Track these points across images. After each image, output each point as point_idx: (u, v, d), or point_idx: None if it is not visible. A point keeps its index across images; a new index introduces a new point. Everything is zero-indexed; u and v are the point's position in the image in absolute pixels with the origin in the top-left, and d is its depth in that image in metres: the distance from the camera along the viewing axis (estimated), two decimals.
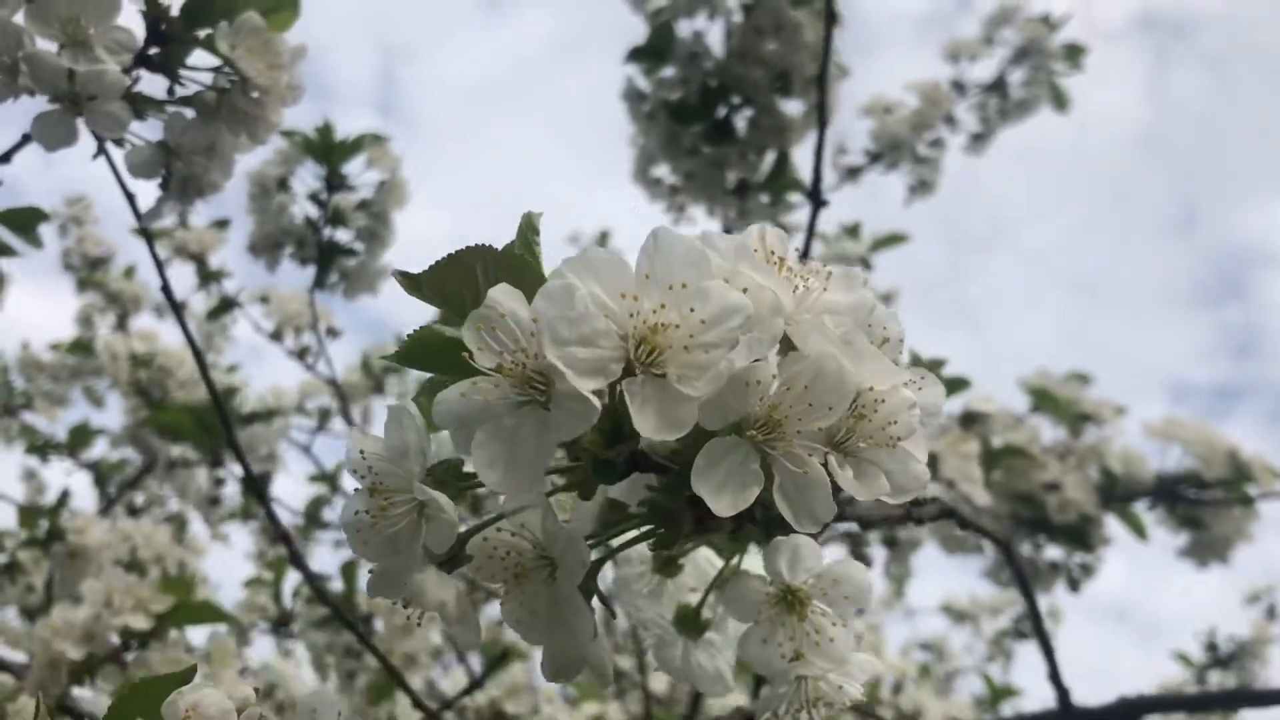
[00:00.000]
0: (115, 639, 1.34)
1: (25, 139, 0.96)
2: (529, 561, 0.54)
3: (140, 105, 0.93)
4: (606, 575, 0.61)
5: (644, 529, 0.59)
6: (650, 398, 0.45)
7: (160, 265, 1.17)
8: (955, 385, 1.40)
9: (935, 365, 1.47)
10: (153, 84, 0.96)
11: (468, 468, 0.56)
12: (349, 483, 0.53)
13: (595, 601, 0.58)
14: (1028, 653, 3.95)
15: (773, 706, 0.61)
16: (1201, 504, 2.00)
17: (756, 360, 0.47)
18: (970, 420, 1.78)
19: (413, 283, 0.51)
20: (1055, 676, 1.09)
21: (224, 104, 0.94)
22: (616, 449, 0.52)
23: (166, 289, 1.16)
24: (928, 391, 0.54)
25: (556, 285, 0.45)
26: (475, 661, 2.68)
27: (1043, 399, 2.13)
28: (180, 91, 0.96)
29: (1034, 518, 2.03)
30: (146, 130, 0.96)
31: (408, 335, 0.54)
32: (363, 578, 2.36)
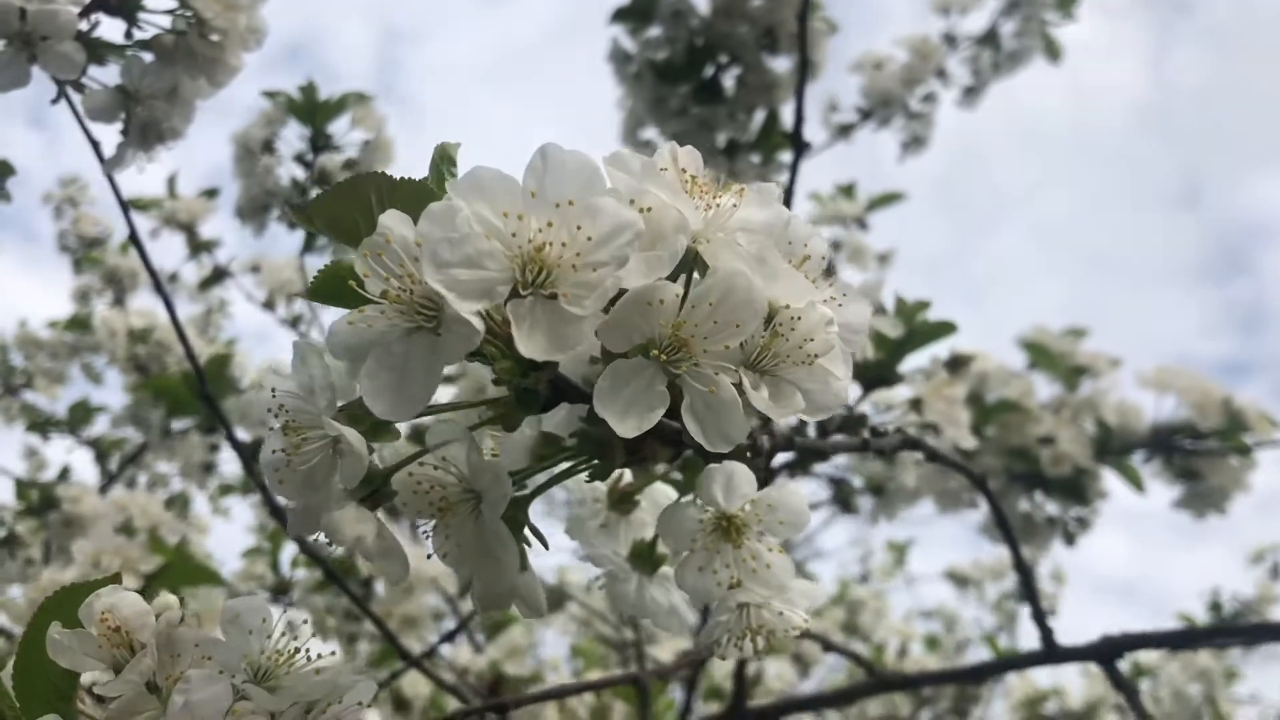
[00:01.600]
0: None
1: None
2: (454, 495, 0.54)
3: (98, 49, 0.92)
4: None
5: (579, 461, 0.59)
6: (539, 319, 0.45)
7: (128, 213, 1.16)
8: (942, 329, 1.38)
9: (943, 328, 1.46)
10: (112, 28, 0.96)
11: None
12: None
13: (528, 533, 0.58)
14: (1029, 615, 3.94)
15: (715, 636, 0.61)
16: (1197, 454, 1.98)
17: (661, 278, 0.46)
18: (956, 364, 1.76)
19: (300, 213, 0.50)
20: (1039, 616, 1.08)
21: (182, 47, 0.94)
22: (533, 376, 0.51)
23: (134, 236, 1.15)
24: (850, 309, 0.53)
25: (440, 206, 0.44)
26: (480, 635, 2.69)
27: (1038, 353, 2.12)
28: (138, 35, 0.95)
29: (1029, 472, 2.02)
30: (107, 76, 0.96)
31: (319, 270, 0.53)
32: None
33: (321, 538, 0.52)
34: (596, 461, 0.59)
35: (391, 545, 0.53)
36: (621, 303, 0.46)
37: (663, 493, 0.73)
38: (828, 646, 1.16)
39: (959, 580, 4.04)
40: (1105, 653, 1.08)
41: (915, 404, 1.48)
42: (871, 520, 1.79)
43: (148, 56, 0.94)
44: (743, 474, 0.59)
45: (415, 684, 2.18)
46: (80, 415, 2.72)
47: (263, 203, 1.91)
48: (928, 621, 4.13)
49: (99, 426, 2.75)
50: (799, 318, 0.50)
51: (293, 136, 1.95)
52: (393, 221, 0.45)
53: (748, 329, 0.48)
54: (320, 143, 1.93)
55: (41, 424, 2.72)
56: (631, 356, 0.48)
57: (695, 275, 0.50)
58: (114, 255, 2.75)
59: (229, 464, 2.44)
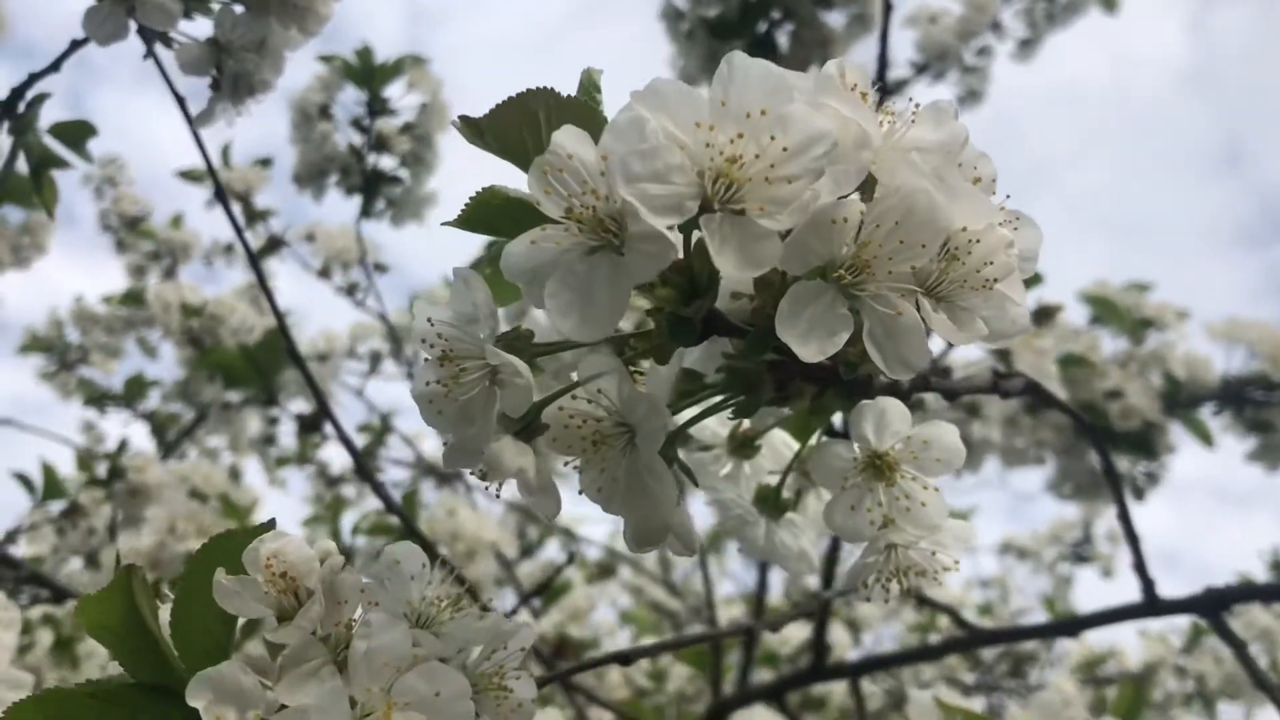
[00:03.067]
0: (180, 566, 1.35)
1: (75, 44, 0.94)
2: (607, 429, 0.52)
3: (190, 2, 0.91)
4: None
5: (723, 398, 0.57)
6: (729, 235, 0.43)
7: (216, 177, 1.15)
8: (1028, 282, 1.36)
9: (1029, 279, 1.43)
10: None
11: (538, 338, 0.54)
12: (419, 360, 0.51)
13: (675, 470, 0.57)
14: (1087, 578, 3.91)
15: (863, 576, 0.60)
16: (1270, 406, 1.95)
17: (842, 196, 0.45)
18: (1044, 315, 1.73)
19: (473, 128, 0.48)
20: (1140, 566, 1.05)
21: None
22: (693, 305, 0.49)
23: (223, 200, 1.14)
24: (1024, 234, 0.51)
25: (624, 119, 0.42)
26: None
27: (1103, 307, 2.08)
28: None
29: (1097, 427, 1.99)
30: (196, 31, 0.94)
31: (469, 197, 0.52)
32: (425, 502, 2.36)
33: (477, 473, 0.51)
34: (742, 397, 0.57)
35: (548, 481, 0.52)
36: (803, 223, 0.44)
37: (781, 439, 0.72)
38: (922, 601, 1.14)
39: (1017, 551, 4.01)
40: (1209, 605, 1.05)
41: (1004, 356, 1.45)
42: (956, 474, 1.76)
43: (239, 8, 0.92)
44: (895, 410, 0.57)
45: None
46: (136, 389, 2.73)
47: (321, 168, 1.91)
48: (985, 590, 4.11)
49: (154, 400, 2.76)
50: (977, 240, 0.47)
51: (349, 101, 1.94)
52: (571, 139, 0.43)
53: (931, 250, 0.46)
54: (376, 107, 1.91)
55: (98, 398, 2.73)
56: (809, 280, 0.46)
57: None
58: (166, 229, 2.75)
59: (286, 436, 2.45)
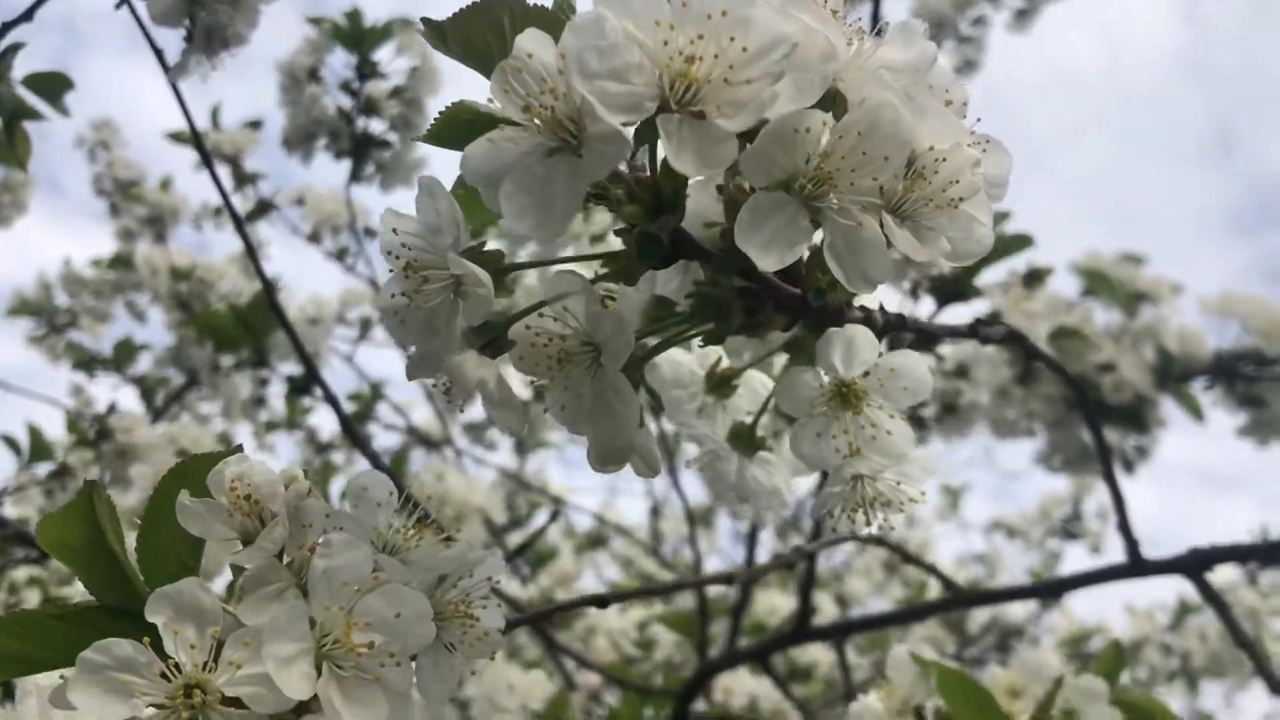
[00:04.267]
0: None
1: None
2: (573, 348, 0.52)
3: None
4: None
5: (694, 323, 0.57)
6: (688, 138, 0.42)
7: (197, 134, 1.14)
8: (1019, 243, 1.35)
9: (1020, 241, 1.43)
10: None
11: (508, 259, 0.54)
12: (383, 276, 0.51)
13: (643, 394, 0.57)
14: (1075, 555, 3.92)
15: (828, 506, 0.59)
16: (1262, 381, 1.94)
17: (805, 106, 0.44)
18: (1034, 278, 1.72)
19: (437, 31, 0.48)
20: (1125, 526, 1.05)
21: None
22: (660, 220, 0.49)
23: (209, 164, 1.13)
24: (993, 158, 0.51)
25: (585, 16, 0.42)
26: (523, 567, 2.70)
27: (1095, 279, 2.07)
28: None
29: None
30: None
31: (439, 112, 0.51)
32: (416, 471, 2.35)
33: (440, 384, 0.51)
34: (712, 325, 0.57)
35: (510, 396, 0.51)
36: (765, 132, 0.44)
37: (759, 380, 0.72)
38: (906, 558, 1.14)
39: (1006, 530, 4.02)
40: (1193, 565, 1.06)
41: (994, 318, 1.45)
42: (945, 439, 1.76)
43: None
44: (864, 338, 0.57)
45: None
46: (125, 353, 2.73)
47: (310, 132, 1.89)
48: (973, 568, 4.12)
49: (143, 365, 2.76)
50: (944, 159, 0.47)
51: (338, 64, 1.92)
52: (532, 41, 0.43)
53: (895, 164, 0.45)
54: (366, 70, 1.90)
55: (87, 362, 2.72)
56: (772, 192, 0.45)
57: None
58: (155, 193, 2.74)
59: (275, 399, 2.44)
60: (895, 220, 0.47)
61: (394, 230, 0.49)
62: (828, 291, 0.56)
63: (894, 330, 0.66)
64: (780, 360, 0.71)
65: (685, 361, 0.70)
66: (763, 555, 3.66)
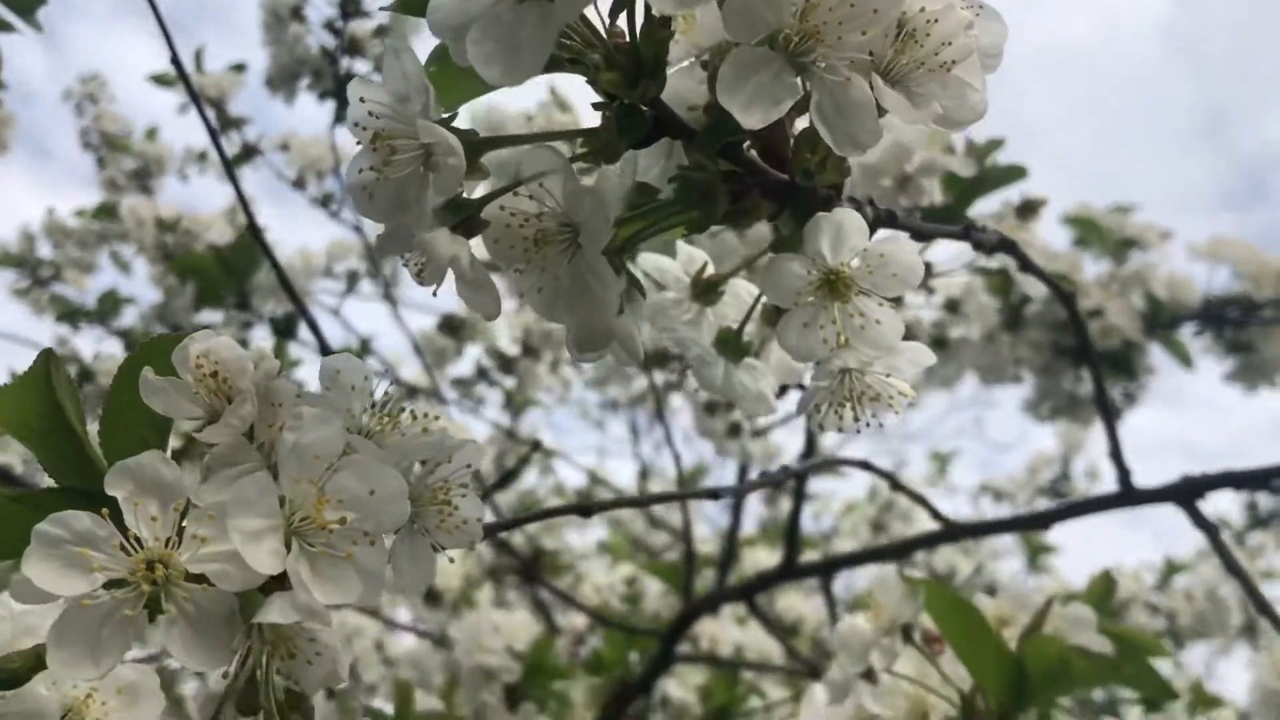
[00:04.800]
0: None
1: None
2: (550, 228, 0.50)
3: None
4: None
5: (677, 210, 0.55)
6: None
7: (186, 78, 1.11)
8: (1013, 173, 1.34)
9: (1014, 172, 1.40)
10: None
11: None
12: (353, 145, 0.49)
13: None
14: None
15: (814, 400, 0.58)
16: (1251, 326, 1.94)
17: None
18: (1027, 209, 1.70)
19: None
20: (1116, 454, 1.04)
21: None
22: (640, 86, 0.47)
23: (201, 111, 1.10)
24: (986, 25, 0.49)
25: None
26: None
27: (1086, 227, 2.06)
28: None
29: (1076, 346, 1.98)
30: None
31: None
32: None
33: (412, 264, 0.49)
34: (696, 212, 0.55)
35: (484, 278, 0.49)
36: None
37: (745, 287, 0.70)
38: (895, 485, 1.13)
39: (994, 493, 4.03)
40: (1185, 493, 1.04)
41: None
42: (939, 384, 1.75)
43: None
44: (853, 223, 0.55)
45: (446, 574, 2.14)
46: (109, 306, 2.70)
47: (293, 71, 1.87)
48: None
49: (128, 318, 2.73)
50: (935, 20, 0.45)
51: (322, 3, 1.90)
52: None
53: (885, 18, 0.43)
54: (349, 9, 1.87)
55: (71, 314, 2.69)
56: (756, 48, 0.44)
57: None
58: (141, 142, 2.70)
59: (260, 341, 2.42)
60: (886, 83, 0.45)
61: (360, 99, 0.47)
62: (816, 174, 0.54)
63: (884, 226, 0.64)
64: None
65: (671, 268, 0.68)
66: (749, 521, 3.67)
